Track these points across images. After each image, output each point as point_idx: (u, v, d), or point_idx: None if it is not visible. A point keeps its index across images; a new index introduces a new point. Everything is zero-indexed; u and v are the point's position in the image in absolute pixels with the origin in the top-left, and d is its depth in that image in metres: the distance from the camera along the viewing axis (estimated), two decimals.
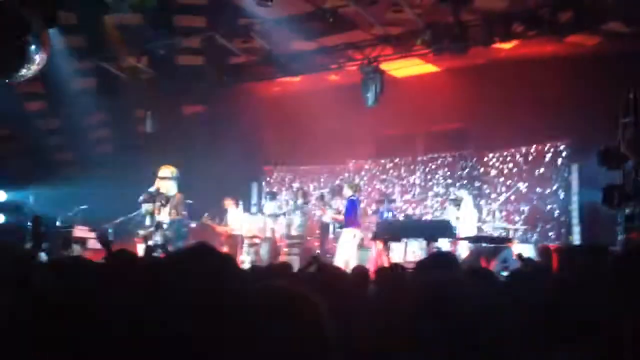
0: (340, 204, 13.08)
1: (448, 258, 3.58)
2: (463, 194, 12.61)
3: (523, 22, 10.54)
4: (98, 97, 13.88)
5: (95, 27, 11.53)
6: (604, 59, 11.63)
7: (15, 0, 8.87)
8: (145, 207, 10.77)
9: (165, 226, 10.22)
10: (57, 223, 12.84)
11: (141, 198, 10.46)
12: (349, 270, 5.66)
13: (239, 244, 13.44)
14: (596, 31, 11.06)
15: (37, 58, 8.98)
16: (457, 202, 12.52)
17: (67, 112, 14.19)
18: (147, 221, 10.79)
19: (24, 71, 8.93)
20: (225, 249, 12.83)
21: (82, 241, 12.51)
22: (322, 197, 14.40)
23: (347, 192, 12.09)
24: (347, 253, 11.42)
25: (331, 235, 13.54)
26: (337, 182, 15.00)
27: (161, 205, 10.31)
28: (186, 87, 13.76)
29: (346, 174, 15.54)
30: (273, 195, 14.86)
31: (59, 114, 14.46)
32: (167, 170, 10.36)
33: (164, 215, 10.27)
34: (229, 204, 13.55)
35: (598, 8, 9.88)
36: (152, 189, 10.37)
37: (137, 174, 12.35)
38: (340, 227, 12.34)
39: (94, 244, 12.42)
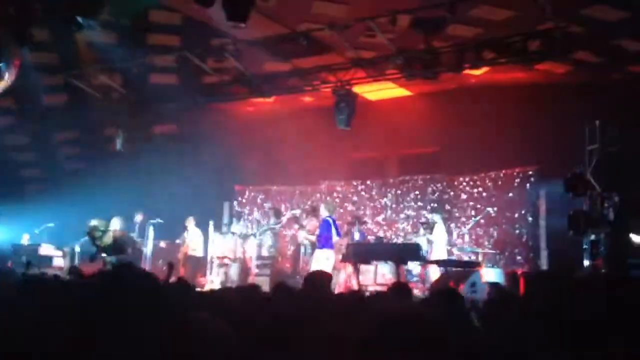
0: (312, 224, 13.02)
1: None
2: (435, 217, 12.68)
3: (493, 50, 10.70)
4: (68, 114, 13.77)
5: (68, 44, 11.45)
6: (573, 86, 11.86)
7: None
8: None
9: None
10: (24, 241, 12.64)
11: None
12: None
13: (199, 265, 13.36)
14: (566, 60, 11.28)
15: (7, 75, 8.90)
16: (429, 226, 12.59)
17: (36, 128, 14.04)
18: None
19: None
20: (182, 271, 12.75)
21: (48, 259, 12.34)
22: (295, 217, 14.36)
23: (324, 212, 11.95)
24: None
25: (303, 256, 13.49)
26: (309, 202, 15.00)
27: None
28: (158, 105, 13.69)
29: (318, 195, 15.54)
30: (239, 217, 14.87)
31: (29, 129, 14.29)
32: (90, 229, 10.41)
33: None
34: (190, 222, 13.55)
35: (567, 38, 10.07)
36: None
37: (107, 192, 12.25)
38: (314, 248, 12.23)
39: (59, 261, 12.26)
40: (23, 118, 13.84)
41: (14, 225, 13.04)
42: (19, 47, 9.28)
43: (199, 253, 13.48)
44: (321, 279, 4.95)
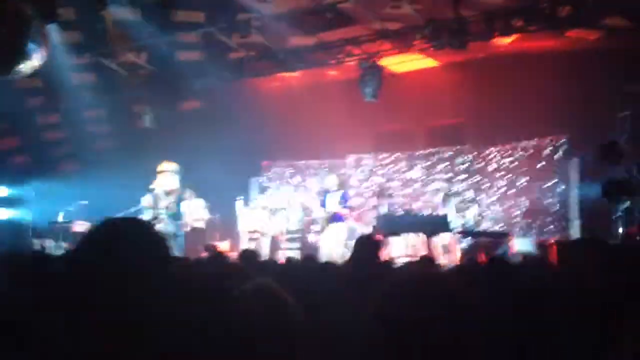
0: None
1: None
2: (443, 188, 12.54)
3: (523, 17, 10.52)
4: (97, 93, 13.88)
5: (94, 23, 11.50)
6: (604, 53, 11.60)
7: None
8: (144, 201, 10.78)
9: (162, 220, 10.10)
10: (58, 218, 12.86)
11: (142, 199, 10.41)
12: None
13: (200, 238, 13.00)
14: (596, 26, 11.06)
15: (36, 54, 8.96)
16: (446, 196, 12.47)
17: (66, 107, 14.18)
18: (146, 216, 10.80)
19: (23, 67, 8.91)
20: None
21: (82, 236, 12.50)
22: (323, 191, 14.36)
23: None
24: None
25: None
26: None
27: (160, 199, 10.18)
28: (185, 82, 13.72)
29: (345, 169, 15.54)
30: (262, 189, 14.95)
31: (59, 109, 14.44)
32: (165, 165, 10.19)
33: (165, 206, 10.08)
34: (189, 195, 12.98)
35: (598, 3, 9.86)
36: (151, 186, 10.25)
37: (137, 169, 12.36)
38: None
39: None
40: (52, 97, 13.98)
41: (50, 203, 13.22)
42: (47, 27, 9.33)
43: (202, 224, 13.25)
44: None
